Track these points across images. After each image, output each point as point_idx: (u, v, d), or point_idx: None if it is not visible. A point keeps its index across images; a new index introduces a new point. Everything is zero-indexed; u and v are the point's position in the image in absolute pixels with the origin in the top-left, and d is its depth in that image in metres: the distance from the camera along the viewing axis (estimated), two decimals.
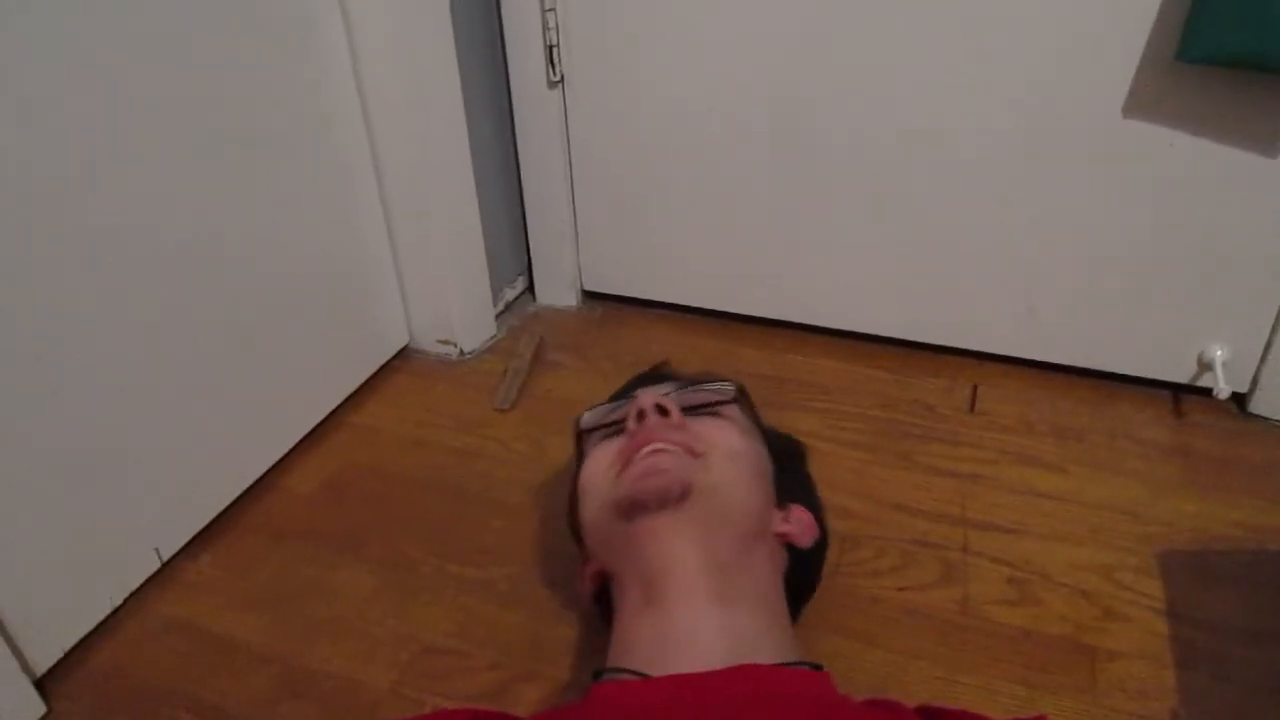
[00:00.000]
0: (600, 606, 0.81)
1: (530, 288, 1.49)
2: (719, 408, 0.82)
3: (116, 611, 0.93)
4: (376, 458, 1.15)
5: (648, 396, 0.78)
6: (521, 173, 1.36)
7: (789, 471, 0.84)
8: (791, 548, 0.78)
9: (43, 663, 0.86)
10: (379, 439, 1.18)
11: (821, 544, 0.83)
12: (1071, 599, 0.91)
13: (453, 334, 1.32)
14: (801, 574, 0.80)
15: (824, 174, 1.21)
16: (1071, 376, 1.24)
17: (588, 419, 0.85)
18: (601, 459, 0.78)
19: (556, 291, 1.46)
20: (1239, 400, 1.17)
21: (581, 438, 0.86)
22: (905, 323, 1.29)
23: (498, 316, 1.40)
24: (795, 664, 0.65)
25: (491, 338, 1.38)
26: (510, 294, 1.45)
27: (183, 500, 1.00)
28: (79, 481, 0.87)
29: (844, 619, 0.89)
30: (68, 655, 0.88)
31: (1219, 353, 1.13)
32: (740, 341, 1.34)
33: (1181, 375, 1.18)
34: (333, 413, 1.20)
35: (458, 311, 1.31)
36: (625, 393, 0.90)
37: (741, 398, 0.84)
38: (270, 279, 1.06)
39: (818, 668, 0.66)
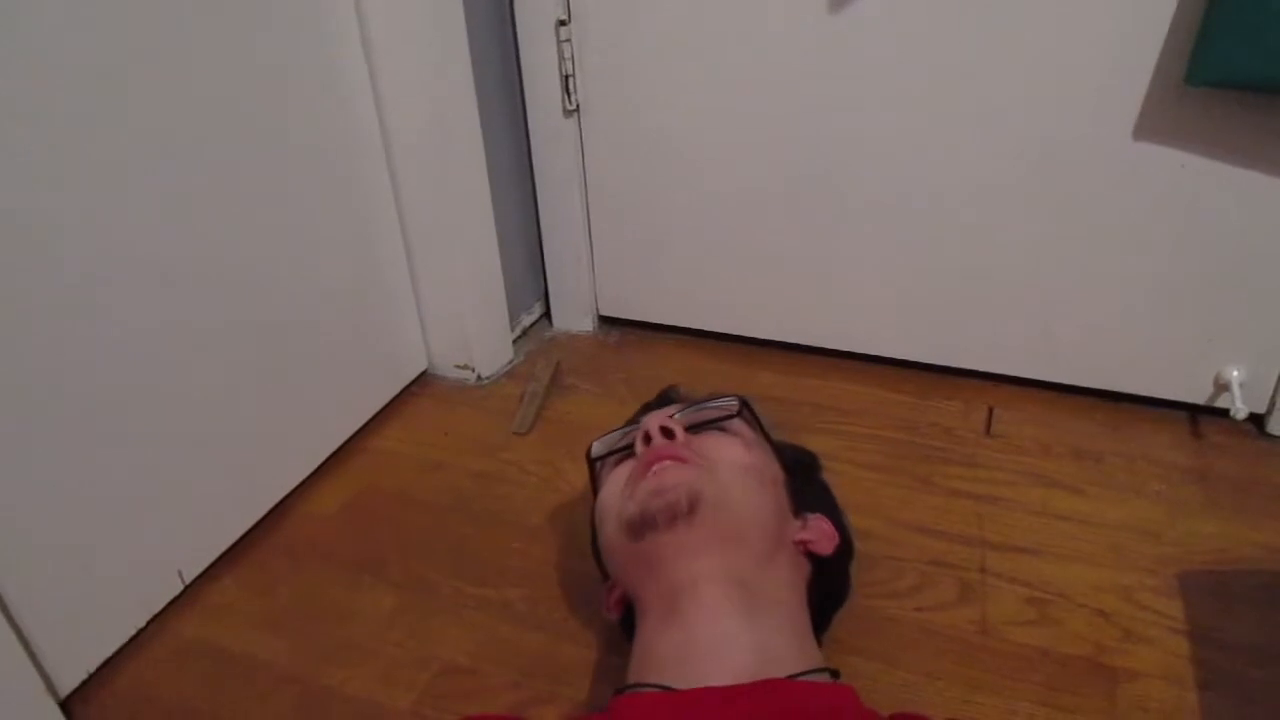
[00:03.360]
0: (627, 630, 0.82)
1: (547, 313, 1.50)
2: (724, 423, 0.83)
3: (140, 633, 0.94)
4: (396, 481, 1.16)
5: (653, 419, 0.80)
6: (538, 199, 1.38)
7: (805, 482, 0.85)
8: (815, 557, 0.78)
9: (68, 683, 0.87)
10: (398, 463, 1.19)
11: (845, 551, 0.83)
12: (1091, 619, 0.91)
13: (471, 359, 1.33)
14: (827, 583, 0.80)
15: (837, 200, 1.22)
16: (1088, 399, 1.24)
17: (597, 447, 0.87)
18: (614, 484, 0.80)
19: (573, 317, 1.47)
20: (1257, 421, 1.17)
21: (594, 466, 0.87)
22: (921, 346, 1.30)
23: (515, 342, 1.42)
24: (814, 672, 0.65)
25: (509, 363, 1.39)
26: (527, 319, 1.47)
27: (205, 523, 1.01)
28: (102, 504, 0.89)
29: (861, 640, 0.89)
30: (92, 676, 0.89)
31: (1236, 374, 1.13)
32: (756, 365, 1.35)
33: (1199, 397, 1.18)
34: (352, 437, 1.22)
35: (476, 337, 1.32)
36: (634, 420, 0.91)
37: (745, 411, 0.85)
38: (291, 305, 1.08)
39: (835, 675, 0.66)
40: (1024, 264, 1.17)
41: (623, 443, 0.85)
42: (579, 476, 1.14)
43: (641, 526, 0.71)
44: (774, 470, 0.80)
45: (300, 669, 0.90)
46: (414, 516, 1.10)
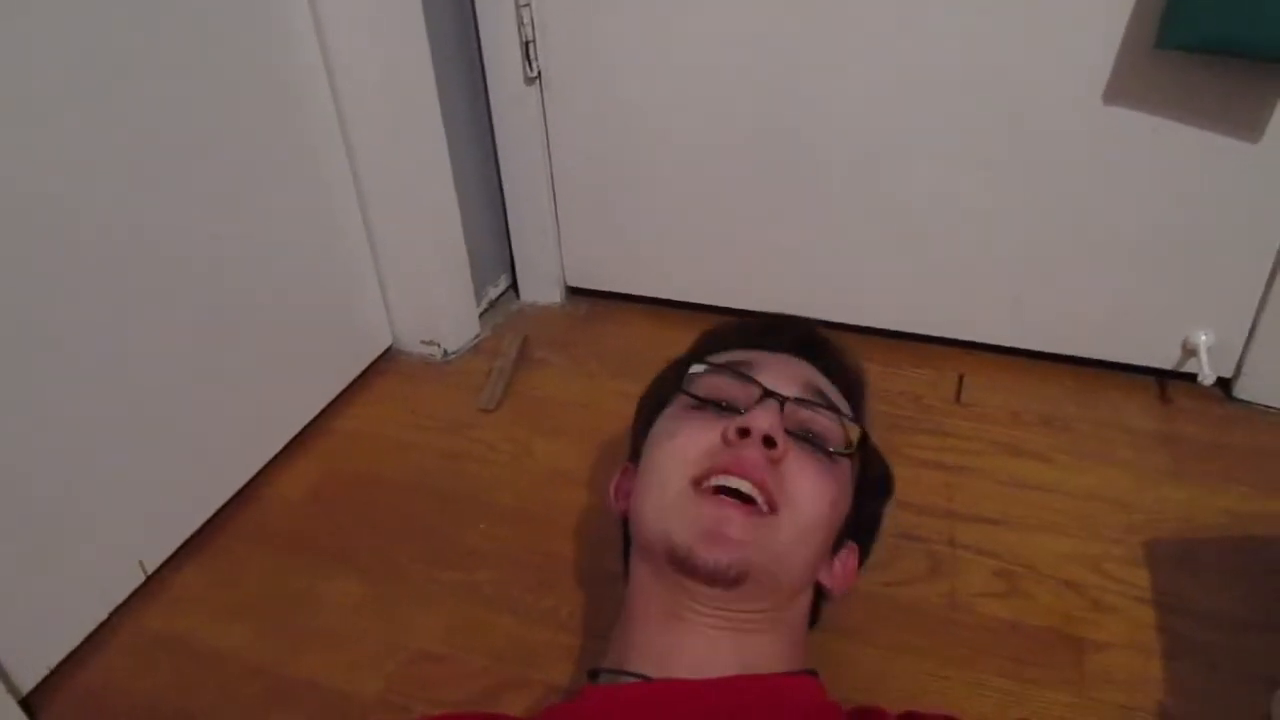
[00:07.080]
0: (624, 529, 0.77)
1: (513, 285, 1.48)
2: (832, 450, 0.71)
3: (102, 627, 0.92)
4: (361, 462, 1.14)
5: (764, 418, 0.67)
6: (501, 170, 1.35)
7: (865, 507, 0.78)
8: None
9: (28, 681, 0.85)
10: (364, 443, 1.17)
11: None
12: (1059, 591, 0.91)
13: (436, 334, 1.31)
14: (821, 606, 0.78)
15: (807, 166, 1.20)
16: (1058, 365, 1.24)
17: (694, 383, 0.74)
18: (685, 443, 0.69)
19: (540, 289, 1.45)
20: (1224, 386, 1.17)
21: (681, 388, 0.75)
22: (891, 313, 1.29)
23: (481, 315, 1.39)
24: (792, 673, 0.65)
25: (475, 337, 1.37)
26: (493, 292, 1.44)
27: (166, 511, 0.99)
28: (59, 496, 0.87)
29: (831, 615, 0.87)
30: (53, 673, 0.88)
31: (1204, 338, 1.13)
32: None
33: (1167, 362, 1.18)
34: (317, 417, 1.19)
35: (441, 311, 1.30)
36: (767, 337, 0.79)
37: (859, 452, 0.75)
38: (249, 284, 1.05)
39: (812, 674, 0.66)
40: (994, 230, 1.16)
41: (721, 394, 0.72)
42: (548, 453, 1.13)
43: (679, 567, 0.65)
44: (839, 523, 0.72)
45: (267, 659, 0.89)
46: (380, 499, 1.08)
